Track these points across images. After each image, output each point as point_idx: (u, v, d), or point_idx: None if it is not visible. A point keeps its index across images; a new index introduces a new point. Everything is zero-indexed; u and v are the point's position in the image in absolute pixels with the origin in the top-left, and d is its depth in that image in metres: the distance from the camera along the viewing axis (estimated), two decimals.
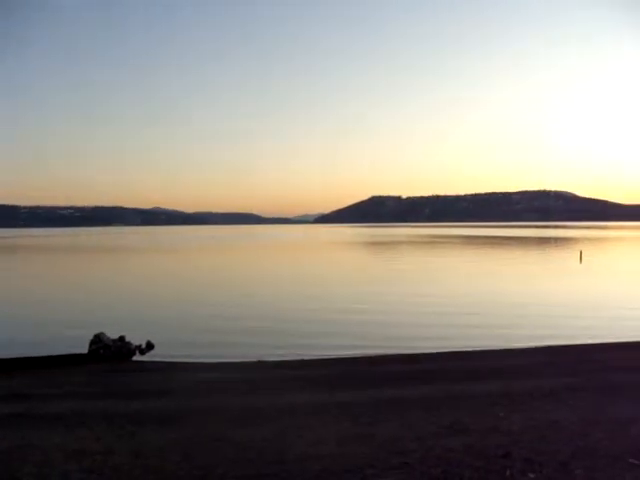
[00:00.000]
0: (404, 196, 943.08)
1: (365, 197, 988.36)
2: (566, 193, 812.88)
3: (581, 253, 55.74)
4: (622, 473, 5.32)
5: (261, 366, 15.20)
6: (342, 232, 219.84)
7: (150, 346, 17.38)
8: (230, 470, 5.87)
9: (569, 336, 18.54)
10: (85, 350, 16.66)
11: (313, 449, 6.53)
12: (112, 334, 17.22)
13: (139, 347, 17.30)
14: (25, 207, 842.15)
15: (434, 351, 16.63)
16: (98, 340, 16.79)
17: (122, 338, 17.17)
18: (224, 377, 13.47)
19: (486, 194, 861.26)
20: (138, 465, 6.16)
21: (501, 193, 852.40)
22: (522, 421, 7.45)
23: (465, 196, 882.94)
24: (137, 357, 16.99)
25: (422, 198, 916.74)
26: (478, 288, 32.58)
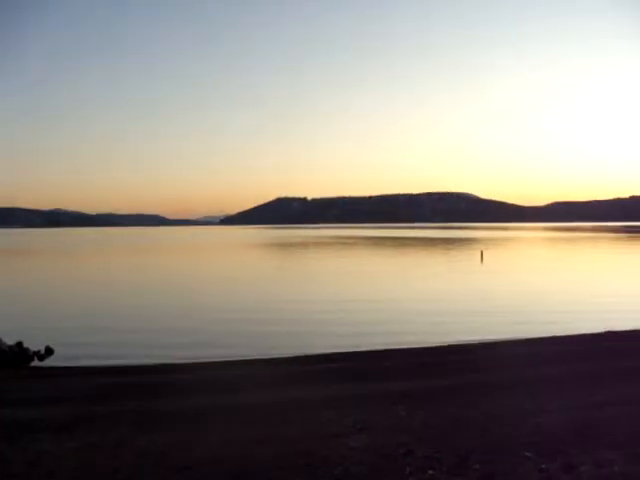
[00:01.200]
0: (310, 197, 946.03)
1: (271, 198, 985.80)
2: (469, 195, 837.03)
3: (482, 253, 57.40)
4: (517, 466, 5.49)
5: (164, 369, 14.92)
6: (245, 234, 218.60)
7: (49, 351, 16.77)
8: (131, 476, 5.74)
9: (469, 332, 19.08)
10: None
11: (219, 452, 6.45)
12: (10, 340, 16.54)
13: (38, 353, 16.67)
14: None
15: (335, 351, 16.72)
16: None
17: (20, 344, 16.51)
18: (123, 381, 13.12)
19: (392, 195, 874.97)
20: (34, 475, 5.93)
21: (407, 194, 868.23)
22: (424, 419, 7.59)
23: (371, 197, 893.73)
24: (36, 363, 16.39)
25: (328, 199, 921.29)
26: (380, 288, 33.13)
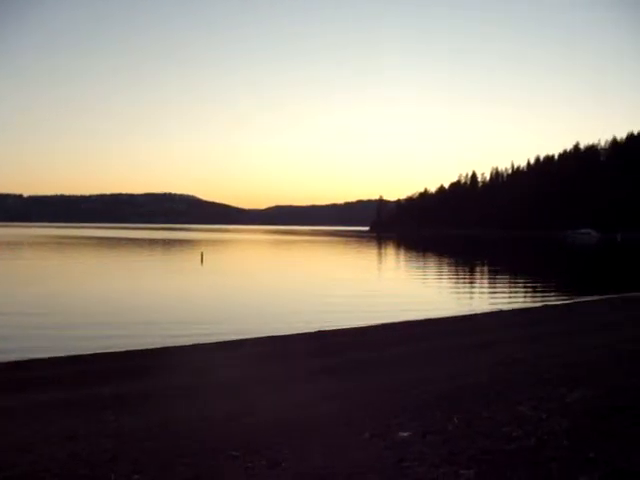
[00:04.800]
0: (26, 194, 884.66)
1: None
2: (191, 197, 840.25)
3: (202, 255, 57.81)
4: (224, 466, 5.55)
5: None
6: None
7: None
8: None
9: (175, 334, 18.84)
10: None
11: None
12: None
13: None
14: None
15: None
16: None
17: None
18: None
19: (112, 195, 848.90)
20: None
21: (127, 194, 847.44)
22: (133, 423, 7.38)
23: (91, 196, 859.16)
24: None
25: (46, 197, 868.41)
26: (94, 290, 31.86)
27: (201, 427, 7.16)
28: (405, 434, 5.98)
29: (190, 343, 16.76)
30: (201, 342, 16.97)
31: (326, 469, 5.22)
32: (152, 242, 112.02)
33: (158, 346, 16.48)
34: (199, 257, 56.02)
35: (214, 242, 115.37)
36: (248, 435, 6.56)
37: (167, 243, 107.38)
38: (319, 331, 18.68)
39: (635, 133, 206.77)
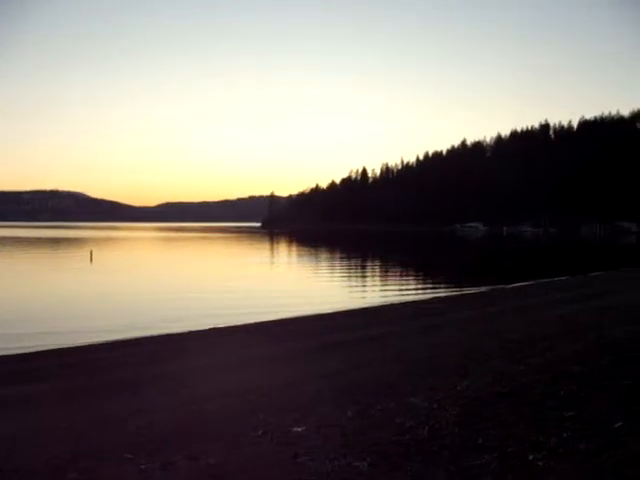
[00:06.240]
0: None
1: None
2: (80, 194, 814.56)
3: (92, 252, 56.18)
4: (117, 469, 5.43)
5: None
6: None
7: None
8: None
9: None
10: None
11: None
12: None
13: None
14: None
15: None
16: None
17: None
18: None
19: None
20: None
21: (11, 192, 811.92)
22: (16, 430, 7.06)
23: None
24: None
25: None
26: None
27: (89, 429, 6.96)
28: (299, 429, 6.01)
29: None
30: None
31: (220, 467, 5.19)
32: (38, 241, 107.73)
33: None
34: (88, 255, 54.40)
35: (104, 240, 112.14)
36: (140, 438, 6.42)
37: (54, 242, 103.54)
38: (212, 328, 18.40)
39: (518, 130, 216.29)
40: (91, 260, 50.84)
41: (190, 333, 17.54)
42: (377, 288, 33.30)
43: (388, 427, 5.61)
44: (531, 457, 4.41)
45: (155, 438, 6.35)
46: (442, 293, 28.62)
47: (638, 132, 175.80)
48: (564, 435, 4.74)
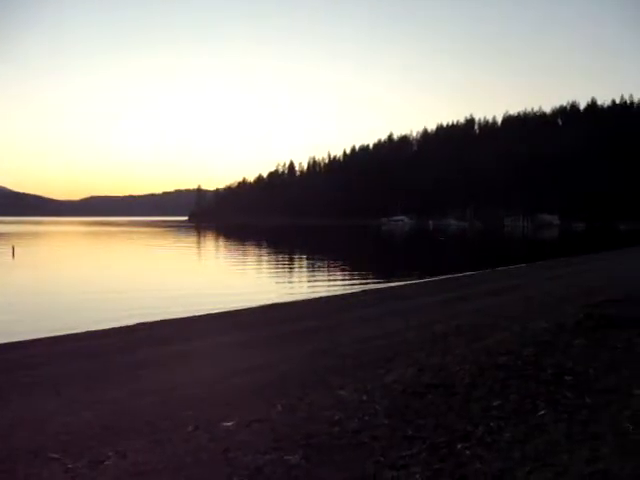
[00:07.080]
0: None
1: None
2: (2, 188, 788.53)
3: (14, 248, 54.49)
4: (43, 469, 5.30)
5: None
6: None
7: None
8: None
9: None
10: None
11: None
12: None
13: None
14: None
15: None
16: None
17: None
18: None
19: None
20: None
21: None
22: None
23: None
24: None
25: None
26: None
27: (11, 430, 6.78)
28: (229, 424, 5.97)
29: None
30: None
31: (149, 464, 5.10)
32: None
33: None
34: (10, 251, 52.74)
35: (27, 235, 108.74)
36: (66, 436, 6.29)
37: None
38: (139, 323, 18.06)
39: (444, 124, 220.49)
40: (13, 256, 49.35)
41: (113, 329, 17.16)
42: (305, 282, 33.30)
43: (318, 420, 5.62)
44: (459, 446, 4.48)
45: (82, 437, 6.23)
46: (371, 285, 28.84)
47: (560, 128, 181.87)
48: (491, 424, 4.84)
